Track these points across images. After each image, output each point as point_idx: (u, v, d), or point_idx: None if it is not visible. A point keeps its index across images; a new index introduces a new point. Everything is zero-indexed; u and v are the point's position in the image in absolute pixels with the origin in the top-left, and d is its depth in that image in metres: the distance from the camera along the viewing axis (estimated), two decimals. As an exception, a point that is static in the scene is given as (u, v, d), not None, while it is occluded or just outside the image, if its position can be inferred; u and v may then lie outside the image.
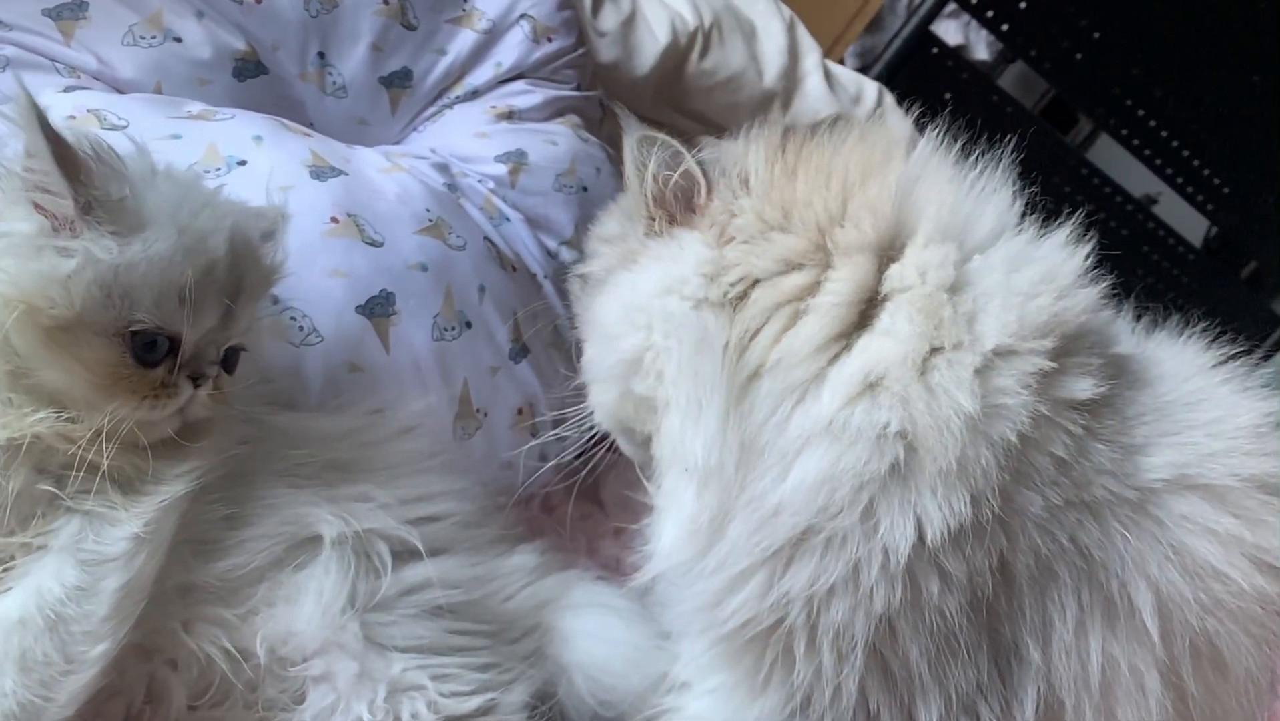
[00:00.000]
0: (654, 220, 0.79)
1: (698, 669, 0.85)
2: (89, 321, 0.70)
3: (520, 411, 1.15)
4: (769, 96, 1.67)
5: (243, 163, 1.04)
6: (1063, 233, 0.78)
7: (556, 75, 1.39)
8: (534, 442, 1.07)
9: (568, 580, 0.97)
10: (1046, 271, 0.74)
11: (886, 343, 0.71)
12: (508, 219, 1.26)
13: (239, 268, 0.78)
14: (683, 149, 0.77)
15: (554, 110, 1.38)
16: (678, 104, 1.67)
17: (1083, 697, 0.74)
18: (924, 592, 0.70)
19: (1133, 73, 2.07)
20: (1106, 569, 0.73)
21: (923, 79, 2.07)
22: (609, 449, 0.90)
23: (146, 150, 0.80)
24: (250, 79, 1.19)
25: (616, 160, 1.42)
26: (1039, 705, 0.74)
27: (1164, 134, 2.14)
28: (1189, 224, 2.34)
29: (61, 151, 0.69)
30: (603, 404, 0.83)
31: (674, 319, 0.75)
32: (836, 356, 0.71)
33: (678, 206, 0.78)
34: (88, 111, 1.02)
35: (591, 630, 0.94)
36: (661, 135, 0.77)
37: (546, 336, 1.22)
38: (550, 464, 0.96)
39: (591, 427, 0.88)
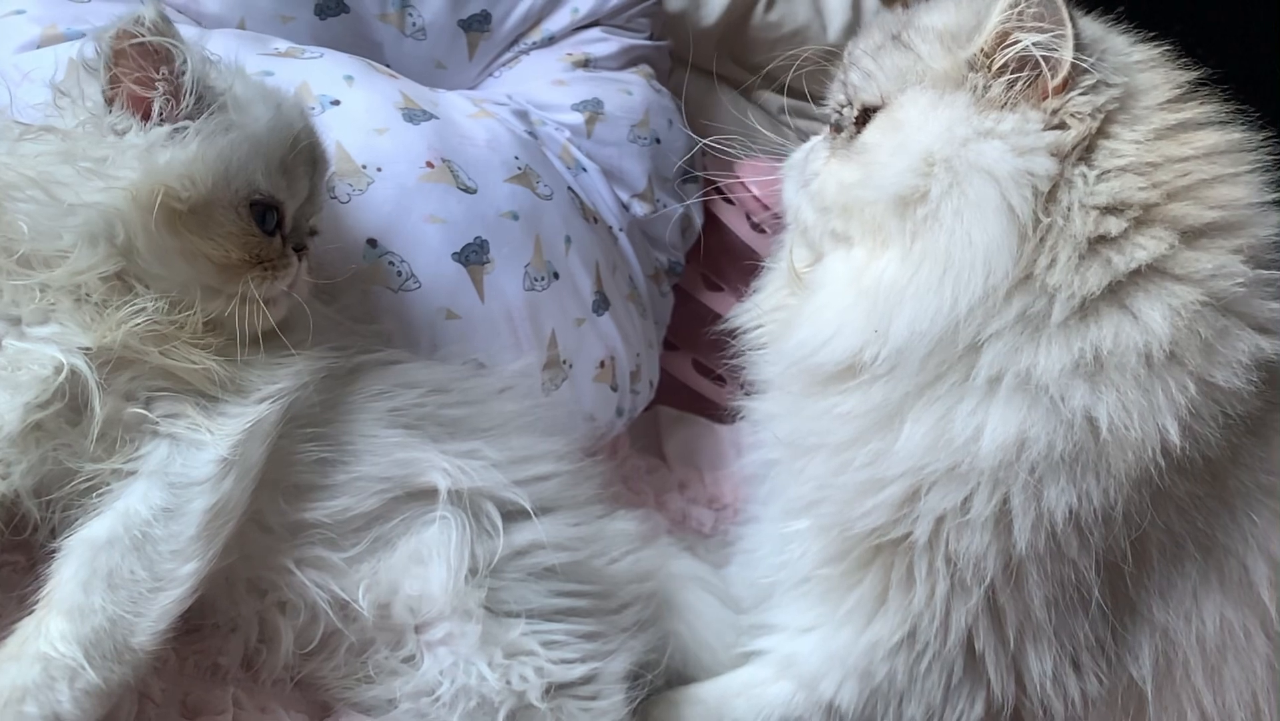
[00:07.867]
0: (992, 80, 0.72)
1: (809, 573, 0.83)
2: (217, 197, 0.76)
3: (602, 364, 1.14)
4: (832, 52, 1.64)
5: (336, 102, 1.02)
6: None
7: (630, 23, 1.37)
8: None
9: (665, 551, 0.98)
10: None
11: (1132, 328, 0.69)
12: (585, 169, 1.24)
13: (311, 139, 0.86)
14: (1070, 27, 0.70)
15: (628, 59, 1.35)
16: (740, 57, 1.64)
17: (1194, 655, 0.76)
18: (1063, 546, 0.71)
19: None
20: (1228, 549, 0.75)
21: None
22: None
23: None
24: (331, 17, 1.17)
25: (686, 112, 1.41)
26: (1156, 660, 0.76)
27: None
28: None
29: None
30: (845, 183, 0.78)
31: (977, 207, 0.69)
32: (1086, 316, 0.69)
33: (1024, 83, 0.72)
34: (180, 45, 0.99)
35: (690, 604, 0.94)
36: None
37: (624, 289, 1.21)
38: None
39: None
